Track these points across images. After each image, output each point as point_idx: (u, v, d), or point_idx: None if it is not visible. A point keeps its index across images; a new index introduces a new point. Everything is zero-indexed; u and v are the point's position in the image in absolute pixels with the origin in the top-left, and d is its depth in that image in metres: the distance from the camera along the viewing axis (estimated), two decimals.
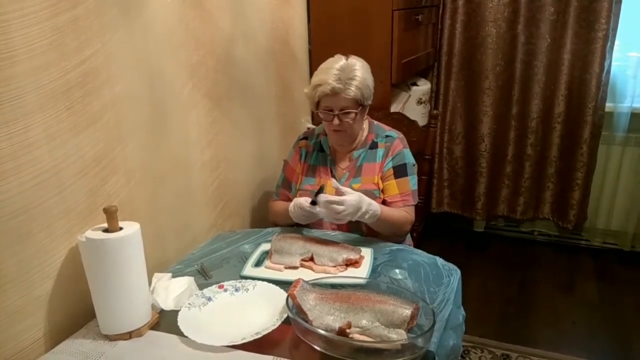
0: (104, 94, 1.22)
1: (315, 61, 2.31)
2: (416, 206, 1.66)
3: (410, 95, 2.52)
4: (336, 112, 1.53)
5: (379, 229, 1.57)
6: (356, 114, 1.54)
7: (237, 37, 1.77)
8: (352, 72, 1.51)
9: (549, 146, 2.79)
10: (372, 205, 1.47)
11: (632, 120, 2.66)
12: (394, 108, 2.35)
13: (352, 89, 1.50)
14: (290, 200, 1.62)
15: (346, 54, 1.58)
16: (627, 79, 2.66)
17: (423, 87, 2.62)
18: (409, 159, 1.65)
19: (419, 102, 2.58)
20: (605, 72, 2.57)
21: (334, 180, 1.41)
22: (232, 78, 1.77)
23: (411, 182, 1.63)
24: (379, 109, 2.13)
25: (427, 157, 2.01)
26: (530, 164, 2.85)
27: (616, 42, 2.56)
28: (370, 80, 1.56)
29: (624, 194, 2.78)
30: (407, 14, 2.23)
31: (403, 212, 1.60)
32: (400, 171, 1.62)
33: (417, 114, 2.52)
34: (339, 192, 1.44)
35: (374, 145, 1.66)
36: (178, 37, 1.48)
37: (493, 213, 3.01)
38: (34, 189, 1.06)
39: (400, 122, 2.06)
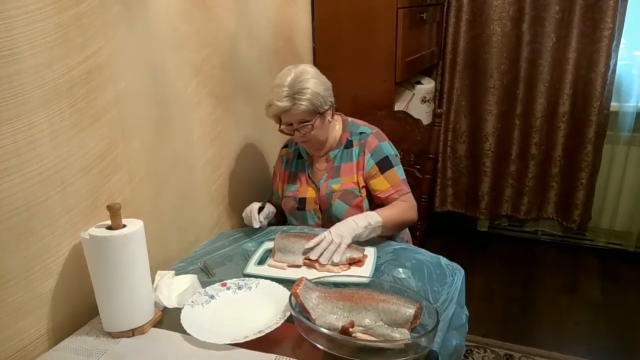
0: (108, 91, 1.22)
1: (319, 59, 2.31)
2: (419, 205, 1.65)
3: (414, 94, 2.51)
4: (295, 126, 1.52)
5: (390, 232, 1.57)
6: (313, 124, 1.52)
7: (241, 35, 1.77)
8: (300, 84, 1.47)
9: (554, 145, 2.77)
10: (369, 217, 1.47)
11: (637, 120, 2.64)
12: (398, 106, 2.34)
13: (303, 102, 1.47)
14: (275, 206, 1.72)
15: (296, 64, 1.54)
16: (633, 78, 2.64)
17: (427, 85, 2.62)
18: (389, 150, 1.63)
19: (423, 100, 2.57)
20: (610, 71, 2.55)
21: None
22: (236, 76, 1.77)
23: (398, 172, 1.62)
24: (383, 108, 2.12)
25: (430, 156, 2.00)
26: (534, 164, 2.84)
27: (622, 41, 2.54)
28: (321, 87, 1.51)
29: (629, 194, 2.76)
30: (411, 12, 2.22)
31: (402, 204, 1.59)
32: (384, 165, 1.60)
33: (421, 112, 2.51)
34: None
35: (349, 144, 1.64)
36: (182, 35, 1.47)
37: (497, 212, 3.00)
38: (37, 186, 1.06)
39: (404, 120, 2.06)
